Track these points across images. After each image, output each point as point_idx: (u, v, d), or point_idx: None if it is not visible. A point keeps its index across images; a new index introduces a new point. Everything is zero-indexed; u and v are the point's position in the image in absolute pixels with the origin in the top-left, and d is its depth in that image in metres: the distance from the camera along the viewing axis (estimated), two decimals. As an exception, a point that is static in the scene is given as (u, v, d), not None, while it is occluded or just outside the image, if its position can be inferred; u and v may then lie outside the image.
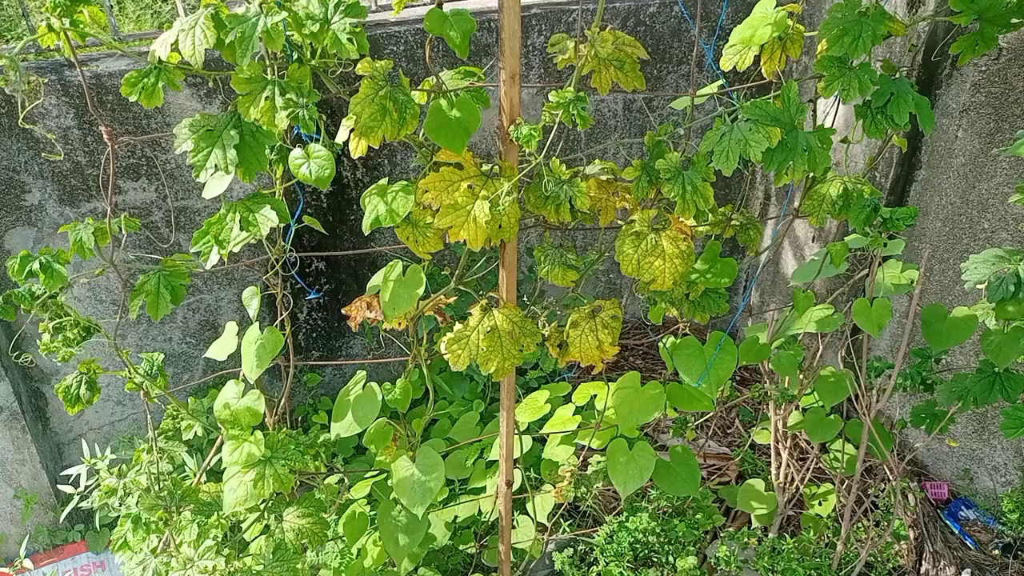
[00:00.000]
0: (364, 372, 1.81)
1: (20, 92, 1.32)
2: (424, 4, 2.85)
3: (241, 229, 1.32)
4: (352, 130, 1.30)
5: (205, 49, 1.14)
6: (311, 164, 1.30)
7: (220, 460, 1.66)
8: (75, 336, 1.46)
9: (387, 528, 1.84)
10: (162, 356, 1.73)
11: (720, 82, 1.62)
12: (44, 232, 2.53)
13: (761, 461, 2.72)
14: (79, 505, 1.91)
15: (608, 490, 2.58)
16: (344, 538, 2.07)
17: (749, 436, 2.82)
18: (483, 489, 2.49)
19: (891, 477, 2.26)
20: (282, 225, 1.41)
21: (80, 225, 1.39)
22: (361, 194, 1.44)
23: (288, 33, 1.19)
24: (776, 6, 1.56)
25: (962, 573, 2.38)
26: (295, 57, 1.25)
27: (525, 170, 1.38)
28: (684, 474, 1.95)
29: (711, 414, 2.89)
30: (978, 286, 1.49)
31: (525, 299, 1.65)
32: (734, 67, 1.62)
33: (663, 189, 1.43)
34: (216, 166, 1.23)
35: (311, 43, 1.22)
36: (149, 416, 1.77)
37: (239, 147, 1.24)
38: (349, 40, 1.16)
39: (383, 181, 1.43)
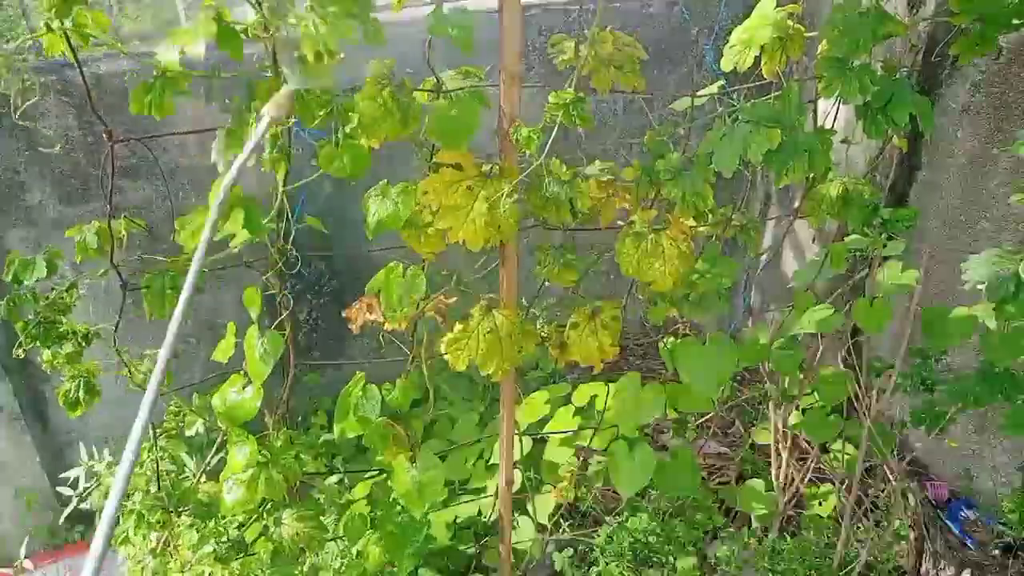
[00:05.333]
0: (364, 372, 1.81)
1: (15, 90, 1.32)
2: (425, 4, 2.85)
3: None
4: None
5: (206, 50, 1.14)
6: (345, 157, 1.30)
7: (220, 460, 1.66)
8: (76, 349, 1.46)
9: (388, 529, 1.84)
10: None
11: (720, 82, 1.62)
12: (44, 232, 2.53)
13: (761, 461, 2.72)
14: (79, 506, 1.91)
15: (608, 490, 2.57)
16: (344, 538, 2.06)
17: (749, 436, 2.82)
18: (483, 490, 2.49)
19: (891, 477, 2.26)
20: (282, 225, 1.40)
21: (85, 227, 1.39)
22: (359, 193, 1.44)
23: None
24: (776, 6, 1.56)
25: (962, 573, 2.38)
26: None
27: (525, 171, 1.38)
28: (684, 474, 1.95)
29: (711, 414, 2.88)
30: (978, 286, 1.49)
31: (525, 301, 1.65)
32: (735, 67, 1.62)
33: (663, 190, 1.43)
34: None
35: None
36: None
37: None
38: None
39: (383, 182, 1.43)
